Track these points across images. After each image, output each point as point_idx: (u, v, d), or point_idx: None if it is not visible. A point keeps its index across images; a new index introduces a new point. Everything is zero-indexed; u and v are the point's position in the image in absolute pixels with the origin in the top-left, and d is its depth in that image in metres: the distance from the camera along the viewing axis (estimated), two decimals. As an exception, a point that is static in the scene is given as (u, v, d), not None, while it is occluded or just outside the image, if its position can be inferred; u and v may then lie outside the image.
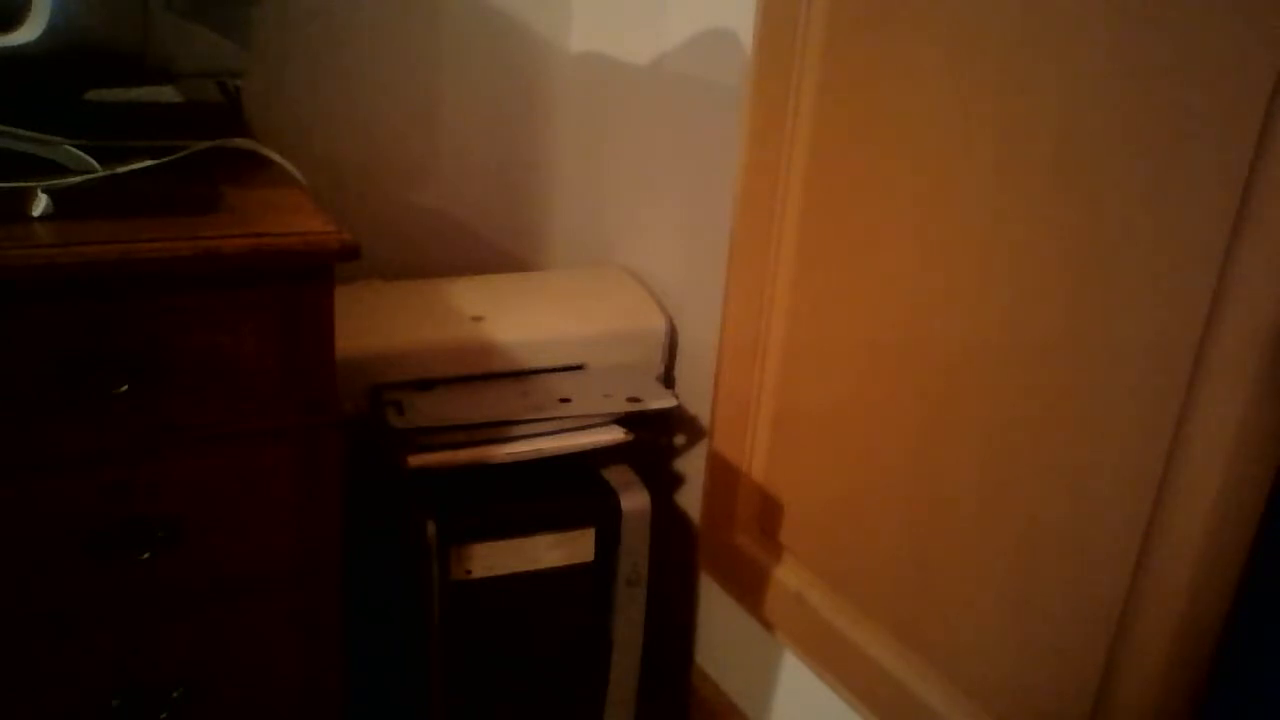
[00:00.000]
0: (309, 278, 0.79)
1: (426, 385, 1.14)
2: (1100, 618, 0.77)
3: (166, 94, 0.96)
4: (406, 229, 1.40)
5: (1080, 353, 0.76)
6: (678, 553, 1.30)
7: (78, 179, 0.79)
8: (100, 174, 0.81)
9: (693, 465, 1.28)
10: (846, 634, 1.02)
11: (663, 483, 1.32)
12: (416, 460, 1.06)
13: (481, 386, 1.15)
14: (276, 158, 0.92)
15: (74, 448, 0.76)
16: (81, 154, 0.82)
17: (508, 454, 1.08)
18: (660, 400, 1.15)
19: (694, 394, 1.25)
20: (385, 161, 1.36)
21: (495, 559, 1.10)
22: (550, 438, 1.10)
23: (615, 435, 1.13)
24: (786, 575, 1.10)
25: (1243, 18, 0.64)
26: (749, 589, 1.15)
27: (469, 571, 1.09)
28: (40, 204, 0.75)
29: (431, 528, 1.06)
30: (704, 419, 1.24)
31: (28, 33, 0.75)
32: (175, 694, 0.86)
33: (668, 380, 1.28)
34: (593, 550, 1.14)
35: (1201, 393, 0.69)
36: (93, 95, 0.90)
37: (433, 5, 1.32)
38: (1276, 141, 0.63)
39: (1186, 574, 0.71)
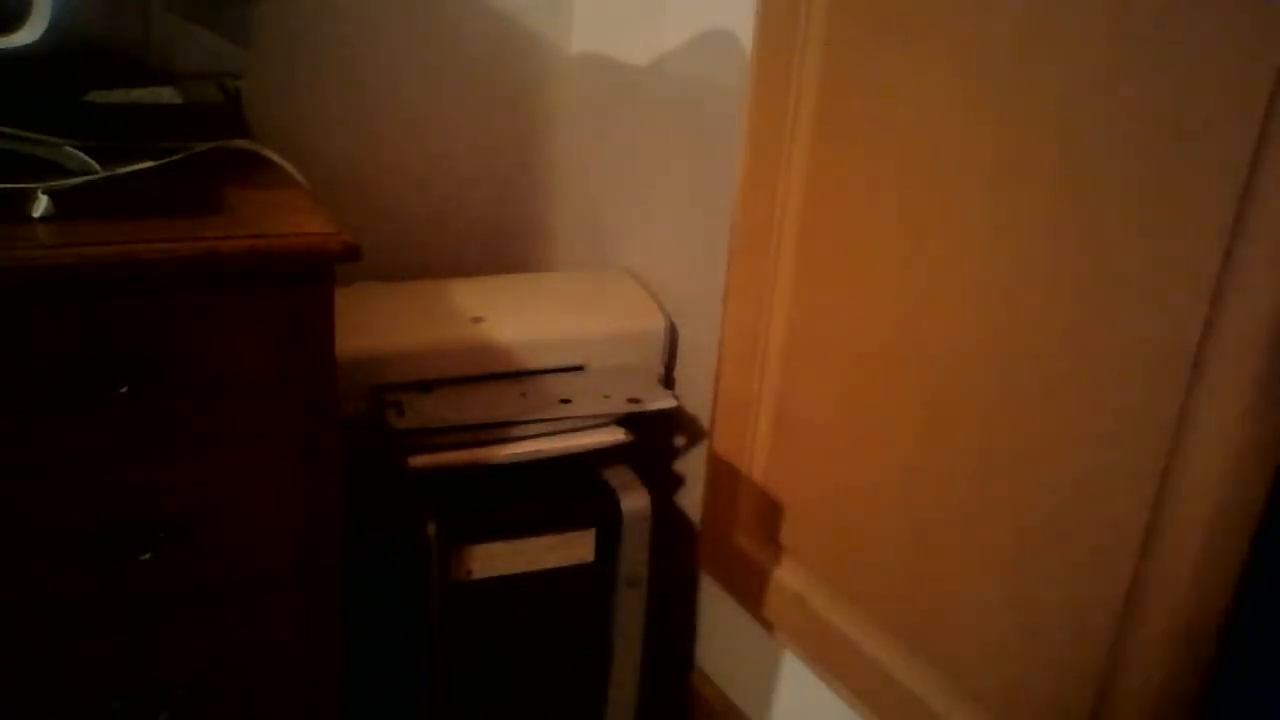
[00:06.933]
0: (309, 279, 0.79)
1: (427, 386, 1.14)
2: (1100, 618, 0.77)
3: (167, 95, 0.96)
4: (406, 229, 1.40)
5: (1080, 353, 0.76)
6: (678, 553, 1.30)
7: (78, 180, 0.79)
8: (101, 175, 0.81)
9: (693, 465, 1.28)
10: (846, 634, 1.02)
11: (663, 483, 1.32)
12: (417, 461, 1.06)
13: (482, 387, 1.15)
14: (277, 159, 0.92)
15: (75, 449, 0.76)
16: (82, 155, 0.82)
17: (508, 455, 1.08)
18: (660, 401, 1.15)
19: (694, 394, 1.25)
20: (385, 162, 1.36)
21: (496, 560, 1.10)
22: (550, 438, 1.10)
23: (615, 436, 1.13)
24: (786, 575, 1.10)
25: (1243, 18, 0.64)
26: (749, 589, 1.15)
27: (469, 572, 1.09)
28: (41, 205, 0.75)
29: (432, 528, 1.06)
30: (704, 419, 1.24)
31: (29, 34, 0.75)
32: (175, 694, 0.86)
33: (668, 381, 1.28)
34: (593, 551, 1.14)
35: (1201, 393, 0.69)
36: (93, 96, 0.90)
37: (433, 6, 1.32)
38: (1276, 141, 0.63)
39: (1187, 575, 0.71)
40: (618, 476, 1.16)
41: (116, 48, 0.79)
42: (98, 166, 0.81)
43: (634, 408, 1.13)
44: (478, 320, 1.18)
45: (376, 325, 1.15)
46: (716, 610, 1.27)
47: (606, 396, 1.14)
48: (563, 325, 1.21)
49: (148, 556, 0.81)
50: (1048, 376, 0.79)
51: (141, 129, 0.91)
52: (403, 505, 1.09)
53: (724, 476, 1.17)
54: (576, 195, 1.46)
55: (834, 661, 1.04)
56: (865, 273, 0.94)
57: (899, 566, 0.95)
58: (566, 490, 1.14)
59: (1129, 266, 0.72)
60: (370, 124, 1.34)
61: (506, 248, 1.48)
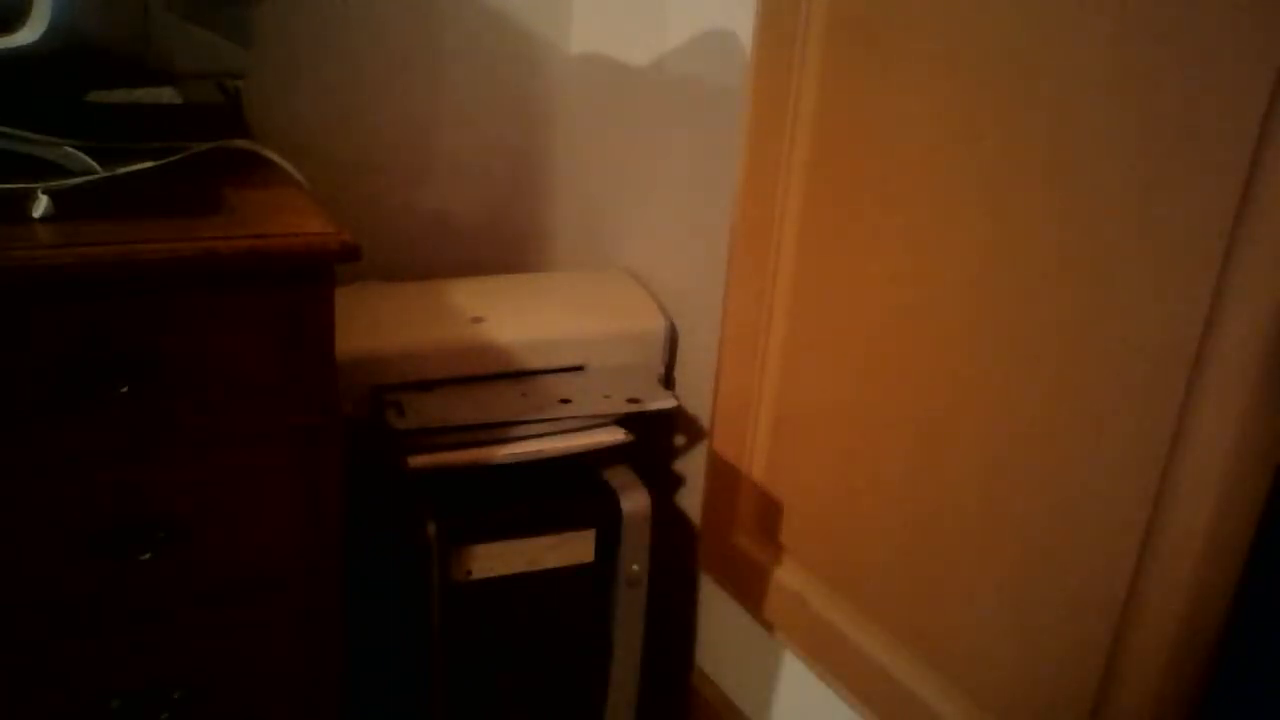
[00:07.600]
0: (309, 278, 0.79)
1: (427, 386, 1.14)
2: (1100, 618, 0.77)
3: (167, 95, 0.96)
4: (406, 229, 1.40)
5: (1080, 353, 0.76)
6: (678, 553, 1.30)
7: (78, 180, 0.79)
8: (101, 175, 0.81)
9: (693, 465, 1.28)
10: (846, 634, 1.02)
11: (663, 483, 1.32)
12: (417, 461, 1.06)
13: (482, 387, 1.15)
14: (276, 158, 0.92)
15: (75, 449, 0.76)
16: (82, 155, 0.82)
17: (508, 455, 1.08)
18: (660, 401, 1.15)
19: (694, 394, 1.25)
20: (386, 162, 1.36)
21: (495, 560, 1.10)
22: (550, 438, 1.10)
23: (615, 436, 1.13)
24: (786, 575, 1.10)
25: (1243, 18, 0.64)
26: (749, 589, 1.15)
27: (469, 572, 1.09)
28: (41, 205, 0.75)
29: (432, 528, 1.06)
30: (704, 419, 1.24)
31: (29, 34, 0.75)
32: (175, 694, 0.86)
33: (668, 381, 1.28)
34: (593, 551, 1.14)
35: (1201, 393, 0.69)
36: (93, 96, 0.90)
37: (433, 6, 1.32)
38: (1276, 141, 0.63)
39: (1186, 575, 0.71)
40: (618, 476, 1.16)
41: (116, 48, 0.79)
42: (98, 166, 0.81)
43: (634, 408, 1.13)
44: (478, 320, 1.18)
45: (376, 325, 1.15)
46: (716, 610, 1.27)
47: (606, 396, 1.14)
48: (562, 325, 1.21)
49: (148, 556, 0.81)
50: (1047, 377, 0.79)
51: (141, 129, 0.91)
52: (403, 505, 1.09)
53: (724, 476, 1.17)
54: (576, 195, 1.46)
55: (834, 661, 1.04)
56: (865, 272, 0.94)
57: (899, 566, 0.95)
58: (566, 490, 1.14)
59: (1129, 266, 0.72)
60: (371, 124, 1.34)
61: (506, 248, 1.48)
